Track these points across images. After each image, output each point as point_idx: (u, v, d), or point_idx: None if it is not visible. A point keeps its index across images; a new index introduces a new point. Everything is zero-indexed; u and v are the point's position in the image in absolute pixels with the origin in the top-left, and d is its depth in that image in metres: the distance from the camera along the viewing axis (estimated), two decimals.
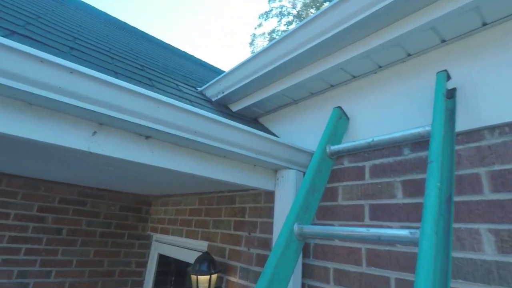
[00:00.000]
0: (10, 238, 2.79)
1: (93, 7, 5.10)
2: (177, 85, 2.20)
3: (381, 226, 1.37)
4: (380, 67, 1.58)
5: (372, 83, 1.64)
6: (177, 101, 1.28)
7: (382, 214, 1.39)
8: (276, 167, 1.77)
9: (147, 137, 1.33)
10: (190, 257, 2.77)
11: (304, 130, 1.98)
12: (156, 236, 3.56)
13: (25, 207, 2.91)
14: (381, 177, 1.45)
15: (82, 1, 5.03)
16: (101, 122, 1.21)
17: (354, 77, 1.71)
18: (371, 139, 1.34)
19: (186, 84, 2.47)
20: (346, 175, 1.65)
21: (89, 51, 1.75)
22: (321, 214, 1.70)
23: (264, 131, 2.07)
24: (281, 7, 20.70)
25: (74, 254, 3.09)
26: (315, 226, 1.22)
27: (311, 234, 1.17)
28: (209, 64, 6.66)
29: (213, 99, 2.30)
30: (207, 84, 2.33)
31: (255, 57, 1.88)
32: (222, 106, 2.25)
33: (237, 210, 2.35)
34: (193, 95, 2.12)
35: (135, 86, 1.17)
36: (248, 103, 2.15)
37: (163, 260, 3.48)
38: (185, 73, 3.20)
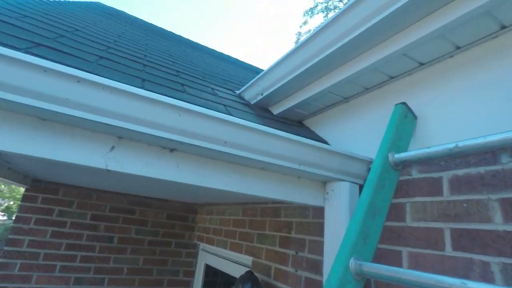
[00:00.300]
0: (67, 246, 2.90)
1: (135, 18, 5.29)
2: (213, 89, 2.04)
3: (471, 260, 1.02)
4: (458, 48, 1.22)
5: (448, 69, 1.28)
6: (201, 108, 1.09)
7: (472, 244, 1.04)
8: (325, 178, 1.49)
9: (171, 150, 1.16)
10: (235, 271, 2.60)
11: (358, 133, 1.66)
12: (202, 245, 3.48)
13: (80, 216, 3.01)
14: (467, 193, 1.09)
15: (127, 14, 5.24)
16: (120, 136, 1.07)
17: (421, 64, 1.36)
18: (453, 145, 1.00)
19: (224, 88, 2.30)
20: (415, 189, 1.31)
21: (120, 59, 1.67)
22: (383, 237, 1.38)
23: (309, 136, 1.80)
24: (327, 1, 19.89)
25: (124, 262, 3.13)
26: (378, 265, 0.93)
27: (373, 275, 0.88)
28: (254, 66, 6.52)
29: (251, 102, 2.10)
30: (245, 86, 2.13)
31: (295, 50, 1.63)
32: (261, 110, 2.03)
33: (282, 225, 2.10)
34: (229, 99, 1.94)
35: (151, 93, 1.00)
36: (290, 104, 1.90)
37: (211, 270, 3.37)
38: (226, 76, 3.06)
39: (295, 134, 1.72)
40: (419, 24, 1.18)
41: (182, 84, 1.76)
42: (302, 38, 1.39)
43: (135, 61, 1.81)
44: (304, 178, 1.49)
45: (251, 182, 1.32)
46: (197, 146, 1.10)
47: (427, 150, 1.06)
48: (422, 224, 1.26)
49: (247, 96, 2.14)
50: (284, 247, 2.03)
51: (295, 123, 2.03)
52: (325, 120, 1.92)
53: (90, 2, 4.85)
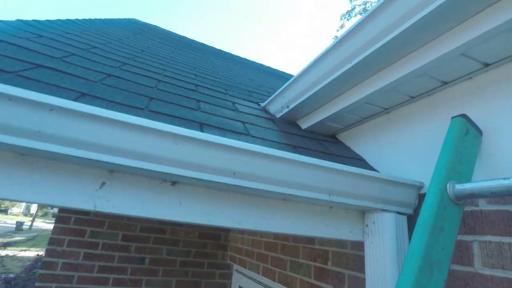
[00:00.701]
0: (99, 268, 2.88)
1: (168, 32, 5.36)
2: (234, 103, 1.86)
3: None
4: None
5: None
6: (201, 133, 0.90)
7: None
8: (364, 208, 1.22)
9: (173, 183, 0.98)
10: None
11: (403, 150, 1.37)
12: (236, 266, 3.29)
13: (111, 237, 2.99)
14: None
15: (161, 28, 5.33)
16: (112, 169, 0.91)
17: (486, 65, 1.06)
18: None
19: (248, 101, 2.12)
20: (485, 225, 1.00)
21: (131, 75, 1.56)
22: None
23: (342, 154, 1.54)
24: (365, 3, 19.05)
25: (157, 284, 3.04)
26: None
27: None
28: (287, 74, 6.30)
29: (277, 116, 1.88)
30: (270, 98, 1.93)
31: (323, 56, 1.39)
32: (287, 124, 1.80)
33: (317, 253, 1.84)
34: (251, 114, 1.74)
35: (138, 118, 0.84)
36: (320, 117, 1.65)
37: None
38: (253, 87, 2.89)
39: (325, 153, 1.48)
40: (484, 14, 0.89)
41: (198, 100, 1.60)
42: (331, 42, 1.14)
43: (149, 77, 1.70)
44: (337, 208, 1.23)
45: (270, 218, 1.10)
46: (198, 179, 0.91)
47: (503, 183, 0.76)
48: (498, 273, 0.95)
49: (272, 109, 1.93)
50: (320, 279, 1.76)
51: (327, 138, 1.78)
52: (363, 134, 1.64)
53: (124, 19, 5.01)
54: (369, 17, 1.10)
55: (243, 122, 1.52)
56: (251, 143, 1.25)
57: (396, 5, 1.03)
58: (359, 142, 1.65)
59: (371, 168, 1.48)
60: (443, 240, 0.82)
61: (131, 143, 0.84)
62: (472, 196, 0.86)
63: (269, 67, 6.58)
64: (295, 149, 1.39)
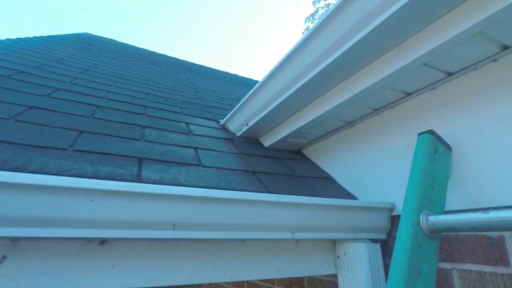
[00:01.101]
0: None
1: (124, 44, 5.08)
2: (188, 124, 1.69)
3: None
4: (505, 47, 0.82)
5: (490, 77, 0.87)
6: (123, 184, 0.73)
7: None
8: (334, 238, 1.09)
9: (101, 242, 0.80)
10: None
11: (370, 166, 1.26)
12: None
13: None
14: None
15: (116, 42, 5.04)
16: (16, 238, 0.72)
17: (450, 74, 0.97)
18: None
19: (207, 119, 1.95)
20: (464, 252, 0.91)
21: (61, 103, 1.35)
22: None
23: (309, 171, 1.41)
24: (327, 5, 19.48)
25: None
26: None
27: None
28: (254, 81, 6.19)
29: (237, 134, 1.73)
30: (228, 115, 1.78)
31: (277, 69, 1.26)
32: (248, 143, 1.66)
33: (292, 280, 1.70)
34: (207, 136, 1.58)
35: (43, 177, 0.65)
36: (283, 133, 1.52)
37: None
38: (215, 101, 2.72)
39: (288, 175, 1.34)
40: (453, 16, 0.79)
41: (143, 127, 1.42)
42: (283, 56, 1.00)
43: (86, 103, 1.49)
44: (304, 242, 1.09)
45: (227, 265, 0.94)
46: (127, 239, 0.74)
47: (482, 217, 0.66)
48: None
49: (232, 127, 1.78)
50: None
51: (291, 155, 1.65)
52: (329, 148, 1.53)
53: (74, 34, 4.68)
54: (318, 28, 0.98)
55: (196, 148, 1.35)
56: (201, 176, 1.09)
57: (348, 11, 0.91)
58: (326, 157, 1.54)
59: (339, 188, 1.36)
60: (422, 286, 0.70)
61: (33, 207, 0.66)
62: (448, 230, 0.76)
63: (236, 75, 6.44)
64: (254, 175, 1.24)
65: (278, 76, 1.26)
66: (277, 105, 1.34)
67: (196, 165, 1.18)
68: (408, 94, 1.09)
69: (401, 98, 1.12)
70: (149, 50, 5.53)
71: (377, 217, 1.08)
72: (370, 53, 0.97)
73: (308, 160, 1.63)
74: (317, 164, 1.58)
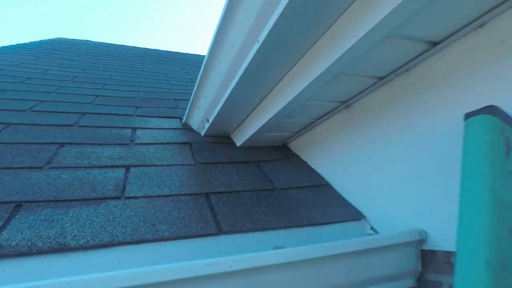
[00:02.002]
0: None
1: (91, 42, 4.67)
2: (135, 129, 1.29)
3: None
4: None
5: None
6: None
7: None
8: None
9: None
10: None
11: (378, 162, 0.83)
12: None
13: None
14: None
15: (90, 41, 4.65)
16: None
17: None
18: None
19: (168, 117, 1.54)
20: None
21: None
22: None
23: (295, 177, 0.99)
24: None
25: None
26: None
27: None
28: None
29: (201, 133, 1.32)
30: (186, 111, 1.36)
31: (220, 34, 0.82)
32: (216, 144, 1.25)
33: None
34: (155, 144, 1.17)
35: None
36: (254, 127, 1.10)
37: None
38: (183, 90, 2.28)
39: (262, 191, 0.93)
40: None
41: (61, 144, 1.02)
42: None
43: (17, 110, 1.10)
44: None
45: None
46: None
47: None
48: None
49: (194, 124, 1.36)
50: None
51: (272, 154, 1.22)
52: (320, 140, 1.10)
53: (48, 40, 4.30)
54: None
55: (128, 167, 0.95)
56: (113, 218, 0.69)
57: None
58: (318, 152, 1.11)
59: (338, 199, 0.94)
60: None
61: None
62: None
63: None
64: (207, 200, 0.84)
65: (222, 49, 0.83)
66: (234, 89, 0.91)
67: (115, 198, 0.78)
68: (436, 43, 0.64)
69: (424, 52, 0.67)
70: (128, 46, 5.09)
71: (398, 257, 0.66)
72: None
73: (295, 158, 1.20)
74: (308, 162, 1.16)
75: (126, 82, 2.24)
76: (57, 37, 4.89)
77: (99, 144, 1.09)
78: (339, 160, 0.99)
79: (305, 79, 0.75)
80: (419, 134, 0.72)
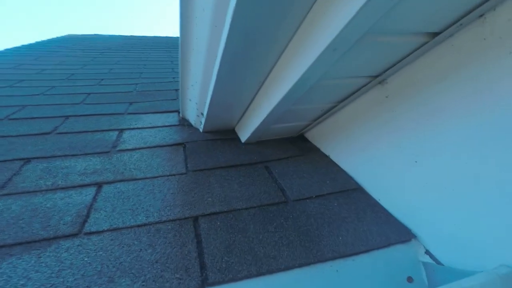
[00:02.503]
0: None
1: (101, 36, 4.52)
2: (122, 131, 1.09)
3: None
4: None
5: None
6: None
7: None
8: None
9: None
10: None
11: (427, 162, 0.57)
12: None
13: None
14: None
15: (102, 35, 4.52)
16: None
17: None
18: None
19: (166, 112, 1.33)
20: None
21: None
22: None
23: (315, 176, 0.75)
24: None
25: None
26: None
27: None
28: None
29: (200, 129, 1.10)
30: (180, 104, 1.14)
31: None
32: (216, 142, 1.02)
33: None
34: (141, 148, 0.97)
35: None
36: (259, 117, 0.85)
37: None
38: None
39: (272, 206, 0.72)
40: None
41: (27, 160, 0.85)
42: None
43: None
44: None
45: None
46: None
47: None
48: None
49: (192, 119, 1.14)
50: None
51: (284, 149, 0.98)
52: (346, 128, 0.84)
53: (58, 38, 4.23)
54: None
55: (101, 185, 0.75)
56: (48, 278, 0.49)
57: None
58: (343, 144, 0.85)
59: (374, 207, 0.68)
60: None
61: None
62: None
63: None
64: (194, 226, 0.62)
65: (193, 18, 0.59)
66: (221, 71, 0.67)
67: (70, 236, 0.59)
68: None
69: None
70: (138, 36, 4.92)
71: None
72: None
73: (314, 153, 0.95)
74: (331, 157, 0.90)
75: (126, 75, 2.05)
76: (67, 34, 4.81)
77: (74, 156, 0.90)
78: (373, 155, 0.73)
79: (316, 47, 0.49)
80: (506, 121, 0.45)
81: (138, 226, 0.62)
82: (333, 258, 0.56)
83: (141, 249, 0.56)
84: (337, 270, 0.56)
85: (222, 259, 0.54)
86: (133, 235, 0.59)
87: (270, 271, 0.52)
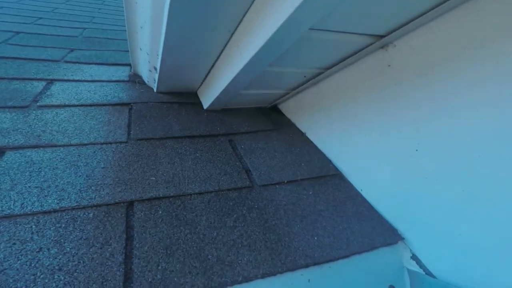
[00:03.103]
0: None
1: None
2: (52, 82, 0.86)
3: None
4: None
5: None
6: None
7: None
8: None
9: None
10: None
11: (429, 150, 0.45)
12: None
13: None
14: None
15: None
16: None
17: None
18: None
19: (116, 64, 1.10)
20: None
21: None
22: None
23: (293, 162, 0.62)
24: None
25: None
26: None
27: None
28: None
29: (154, 88, 0.90)
30: (130, 55, 0.92)
31: None
32: (171, 106, 0.84)
33: None
34: (73, 106, 0.76)
35: None
36: (225, 80, 0.68)
37: None
38: None
39: (234, 201, 0.57)
40: None
41: None
42: None
43: None
44: None
45: None
46: None
47: None
48: None
49: (145, 74, 0.94)
50: None
51: (255, 122, 0.82)
52: (334, 101, 0.70)
53: None
54: None
55: (3, 151, 0.56)
56: None
57: None
58: (325, 120, 0.72)
59: (356, 199, 0.57)
60: None
61: None
62: None
63: None
64: (126, 216, 0.46)
65: None
66: (174, 7, 0.48)
67: None
68: None
69: None
70: None
71: None
72: None
73: (288, 128, 0.81)
74: (307, 135, 0.77)
75: (73, 18, 1.72)
76: None
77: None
78: (362, 137, 0.60)
79: None
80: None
81: (44, 213, 0.44)
82: (306, 266, 0.44)
83: (40, 249, 0.39)
84: (309, 280, 0.44)
85: (158, 266, 0.39)
86: (33, 226, 0.42)
87: (222, 285, 0.39)
